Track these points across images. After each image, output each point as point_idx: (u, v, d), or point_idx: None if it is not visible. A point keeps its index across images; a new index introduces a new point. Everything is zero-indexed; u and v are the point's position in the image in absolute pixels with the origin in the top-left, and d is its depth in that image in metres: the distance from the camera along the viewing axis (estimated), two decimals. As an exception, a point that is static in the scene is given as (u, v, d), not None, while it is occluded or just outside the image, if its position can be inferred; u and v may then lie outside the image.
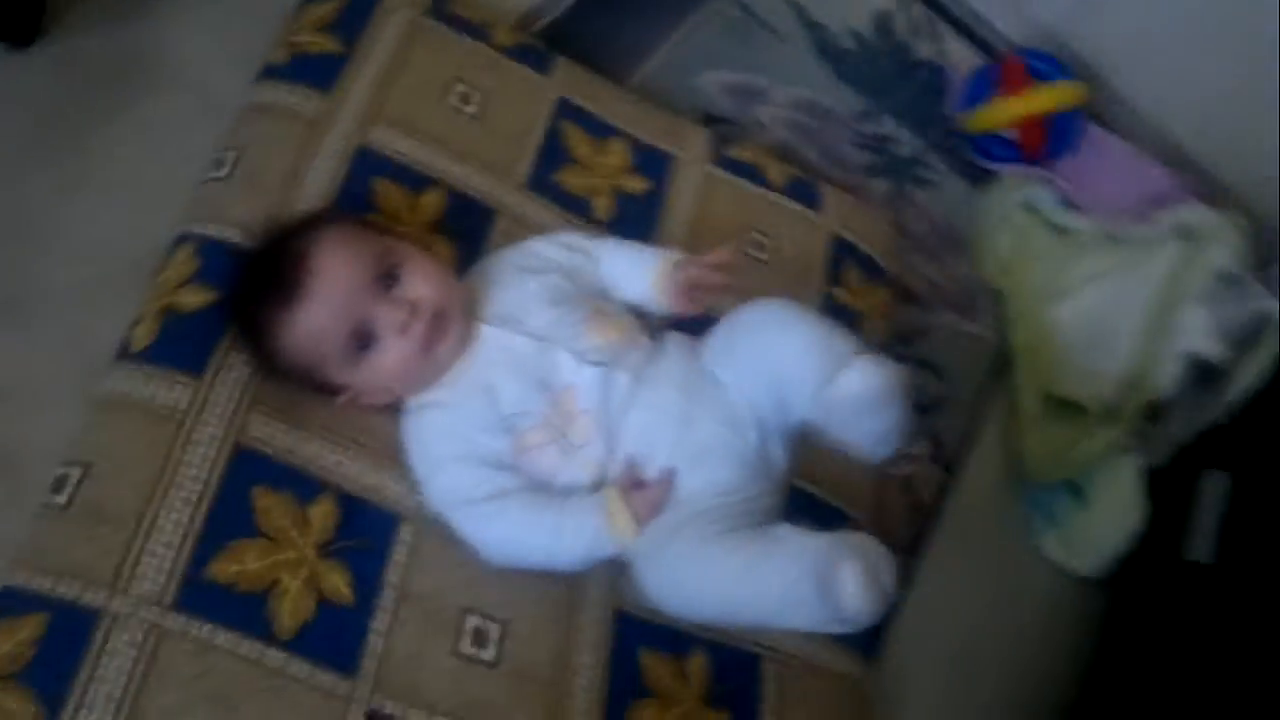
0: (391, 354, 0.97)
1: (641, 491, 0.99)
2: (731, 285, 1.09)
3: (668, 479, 1.00)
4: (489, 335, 1.02)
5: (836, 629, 0.92)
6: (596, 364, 1.01)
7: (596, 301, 1.07)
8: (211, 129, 1.14)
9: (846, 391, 0.93)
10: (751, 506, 1.02)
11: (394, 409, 1.03)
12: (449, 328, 0.99)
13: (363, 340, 0.96)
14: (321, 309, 0.94)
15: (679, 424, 1.01)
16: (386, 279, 0.97)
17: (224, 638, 0.87)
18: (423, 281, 0.98)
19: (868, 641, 1.21)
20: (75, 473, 0.91)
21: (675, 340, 1.09)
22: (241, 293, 0.98)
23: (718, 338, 1.05)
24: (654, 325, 1.10)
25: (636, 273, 1.10)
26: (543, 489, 1.00)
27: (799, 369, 0.97)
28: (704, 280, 1.07)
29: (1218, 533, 1.30)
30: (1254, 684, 1.10)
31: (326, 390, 1.00)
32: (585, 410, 1.00)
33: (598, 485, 1.01)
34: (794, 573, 0.90)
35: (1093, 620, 1.41)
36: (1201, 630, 1.22)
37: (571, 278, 1.08)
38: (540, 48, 1.35)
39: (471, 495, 0.98)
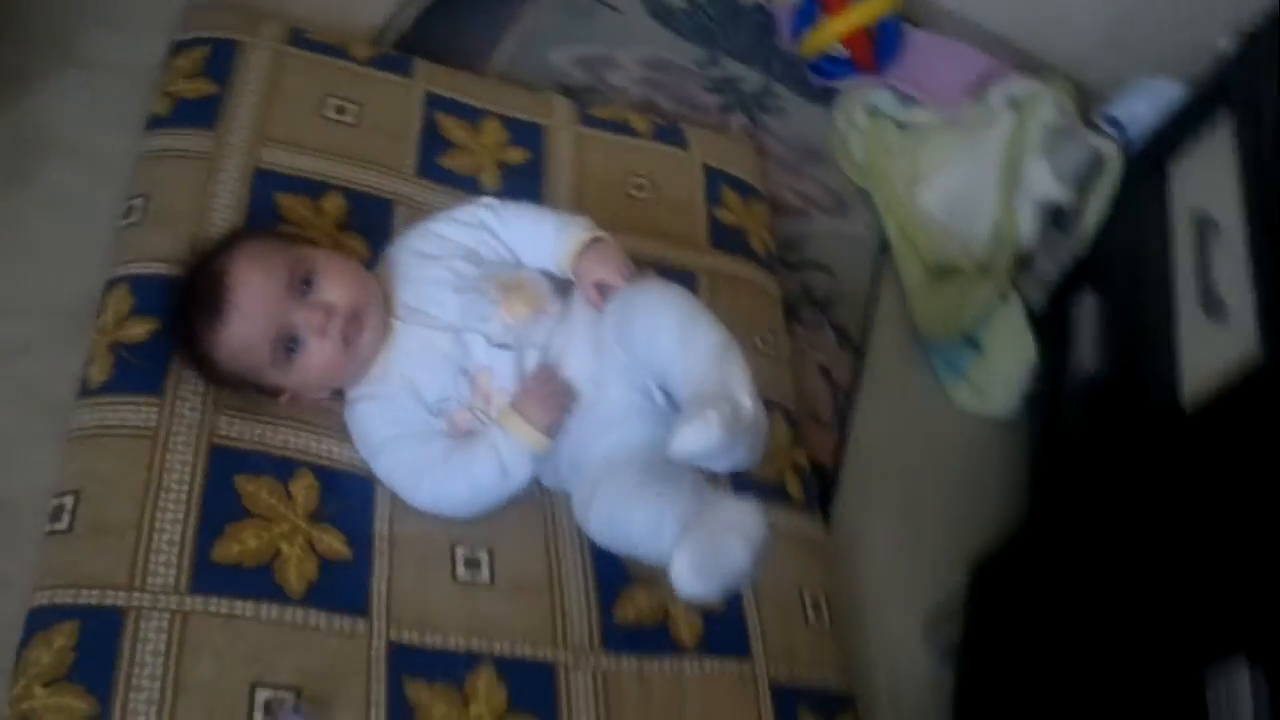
0: (316, 354, 1.04)
1: (527, 398, 1.06)
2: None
3: (547, 371, 1.08)
4: (402, 331, 1.08)
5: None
6: (507, 346, 1.08)
7: (502, 275, 1.13)
8: (108, 185, 1.22)
9: (681, 449, 0.91)
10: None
11: (339, 397, 1.11)
12: (365, 324, 1.05)
13: (288, 345, 1.03)
14: (244, 322, 1.01)
15: (590, 390, 1.09)
16: (303, 285, 1.04)
17: (243, 607, 0.96)
18: (336, 283, 1.05)
19: (823, 506, 1.34)
20: (69, 501, 0.98)
21: (581, 301, 1.13)
22: (174, 318, 1.05)
23: (613, 317, 1.08)
24: (561, 284, 1.17)
25: (543, 247, 1.15)
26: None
27: (673, 368, 1.00)
28: (614, 282, 1.10)
29: (1098, 344, 1.44)
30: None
31: (268, 393, 1.07)
32: (502, 389, 1.08)
33: None
34: (667, 541, 0.93)
35: (1017, 457, 1.55)
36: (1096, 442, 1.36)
37: (474, 257, 1.14)
38: (398, 55, 1.46)
39: (412, 465, 1.05)
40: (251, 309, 1.01)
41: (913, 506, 1.47)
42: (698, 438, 0.90)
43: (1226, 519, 0.95)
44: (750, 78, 1.81)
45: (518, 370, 1.08)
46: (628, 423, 1.08)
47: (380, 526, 1.05)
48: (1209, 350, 1.17)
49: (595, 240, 1.14)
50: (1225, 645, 0.85)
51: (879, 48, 1.83)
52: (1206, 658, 0.84)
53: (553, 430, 1.06)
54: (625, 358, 1.07)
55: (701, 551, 0.90)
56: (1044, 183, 1.63)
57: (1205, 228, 1.28)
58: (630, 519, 1.00)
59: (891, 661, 1.33)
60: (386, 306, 1.09)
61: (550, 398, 1.07)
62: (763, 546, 0.92)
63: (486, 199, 1.19)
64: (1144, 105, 1.69)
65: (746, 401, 0.95)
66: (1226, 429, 1.02)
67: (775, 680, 1.13)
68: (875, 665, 1.31)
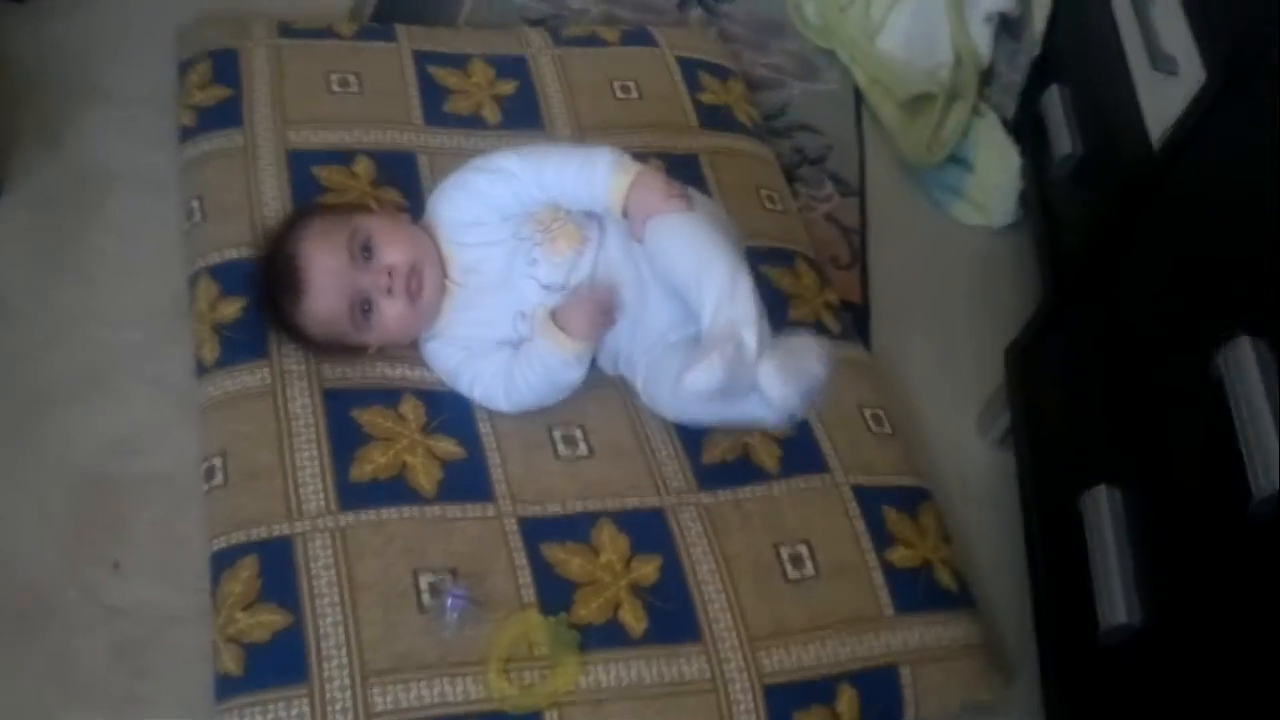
0: (388, 313, 1.15)
1: (567, 309, 1.15)
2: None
3: (595, 285, 1.18)
4: (459, 293, 1.19)
5: (785, 418, 1.08)
6: (558, 287, 1.18)
7: (539, 216, 1.19)
8: (162, 197, 1.36)
9: (691, 388, 1.02)
10: None
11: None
12: (425, 277, 1.16)
13: (363, 308, 1.15)
14: (321, 296, 1.13)
15: (637, 309, 1.18)
16: (364, 252, 1.15)
17: (389, 513, 1.10)
18: (392, 246, 1.15)
19: (861, 337, 1.47)
20: (218, 461, 1.12)
21: (616, 224, 1.18)
22: (262, 301, 1.19)
23: (646, 244, 1.13)
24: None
25: (581, 197, 1.17)
26: None
27: (690, 296, 1.09)
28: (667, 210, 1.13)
29: (1072, 129, 1.55)
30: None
31: (358, 351, 1.20)
32: None
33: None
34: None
35: (1026, 253, 1.67)
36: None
37: (507, 216, 1.20)
38: (379, 25, 1.57)
39: (488, 381, 1.18)
40: (324, 284, 1.13)
41: (942, 322, 1.59)
42: (704, 377, 1.01)
43: (1211, 224, 1.07)
44: (699, -28, 1.91)
45: None
46: (675, 333, 1.17)
47: (483, 426, 1.19)
48: (1168, 101, 1.28)
49: (637, 177, 1.15)
50: (1228, 328, 0.97)
51: (809, -86, 1.91)
52: (1214, 343, 0.97)
53: (591, 336, 1.15)
54: (661, 273, 1.15)
55: (784, 362, 1.04)
56: (989, -1, 1.73)
57: (1140, -1, 1.38)
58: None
59: (955, 457, 1.45)
60: (440, 264, 1.19)
61: (592, 308, 1.15)
62: (830, 361, 1.07)
63: (502, 160, 1.19)
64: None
65: (751, 340, 1.04)
66: (1196, 150, 1.14)
67: (856, 485, 1.26)
68: (941, 463, 1.43)
